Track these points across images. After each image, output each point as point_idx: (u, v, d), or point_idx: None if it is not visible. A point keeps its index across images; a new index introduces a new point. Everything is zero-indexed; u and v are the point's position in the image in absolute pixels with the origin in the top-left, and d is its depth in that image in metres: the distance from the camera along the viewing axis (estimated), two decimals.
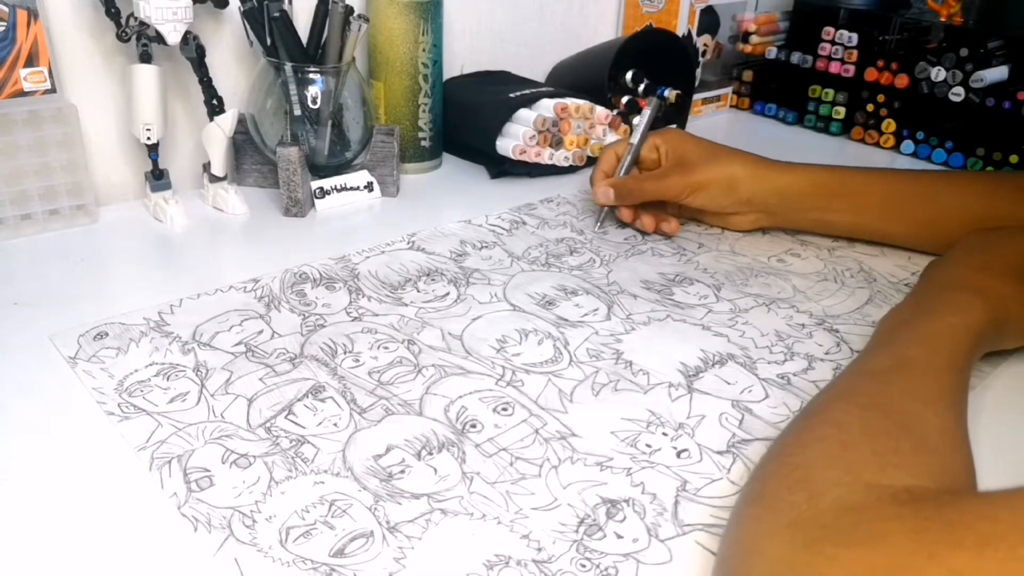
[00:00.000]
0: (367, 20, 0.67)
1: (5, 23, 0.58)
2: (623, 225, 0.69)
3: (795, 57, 0.97)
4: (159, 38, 0.61)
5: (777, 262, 0.64)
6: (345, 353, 0.49)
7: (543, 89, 0.83)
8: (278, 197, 0.69)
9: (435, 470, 0.40)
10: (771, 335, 0.53)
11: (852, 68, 0.93)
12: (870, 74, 0.91)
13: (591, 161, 0.82)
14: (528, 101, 0.80)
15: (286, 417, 0.43)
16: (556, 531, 0.36)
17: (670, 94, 0.87)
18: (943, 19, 0.90)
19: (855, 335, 0.54)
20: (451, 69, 0.88)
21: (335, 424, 0.43)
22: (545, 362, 0.49)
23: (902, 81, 0.89)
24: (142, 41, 0.61)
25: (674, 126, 0.85)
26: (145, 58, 0.62)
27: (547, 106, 0.78)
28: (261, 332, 0.51)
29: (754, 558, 0.30)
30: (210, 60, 0.66)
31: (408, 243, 0.64)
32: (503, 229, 0.68)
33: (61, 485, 0.38)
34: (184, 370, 0.47)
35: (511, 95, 0.80)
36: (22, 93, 0.60)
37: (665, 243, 0.67)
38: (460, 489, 0.39)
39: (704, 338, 0.53)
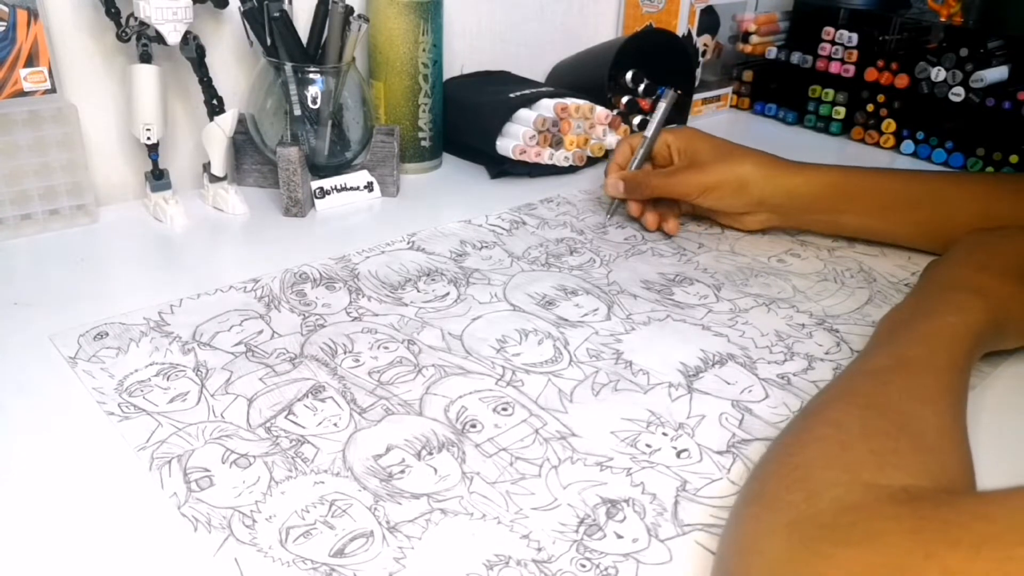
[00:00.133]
0: (367, 20, 0.67)
1: (5, 23, 0.58)
2: (630, 219, 0.69)
3: (795, 57, 0.97)
4: (159, 38, 0.61)
5: (777, 262, 0.64)
6: (345, 353, 0.49)
7: (543, 89, 0.83)
8: (278, 197, 0.69)
9: (435, 470, 0.40)
10: (771, 335, 0.53)
11: (852, 68, 0.93)
12: (870, 74, 0.91)
13: (591, 161, 0.82)
14: (528, 101, 0.80)
15: (286, 417, 0.43)
16: (556, 531, 0.36)
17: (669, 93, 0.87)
18: (943, 19, 0.90)
19: (855, 335, 0.54)
20: (451, 69, 0.88)
21: (335, 424, 0.43)
22: (545, 362, 0.49)
23: (902, 81, 0.89)
24: (142, 41, 0.61)
25: (674, 125, 0.85)
26: (145, 58, 0.62)
27: (547, 106, 0.78)
28: (261, 332, 0.51)
29: (752, 557, 0.31)
30: (210, 60, 0.66)
31: (408, 243, 0.64)
32: (503, 229, 0.68)
33: (61, 485, 0.38)
34: (184, 370, 0.47)
35: (511, 95, 0.80)
36: (22, 93, 0.60)
37: (665, 243, 0.67)
38: (460, 489, 0.39)
39: (704, 338, 0.53)
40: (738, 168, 0.64)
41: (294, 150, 0.66)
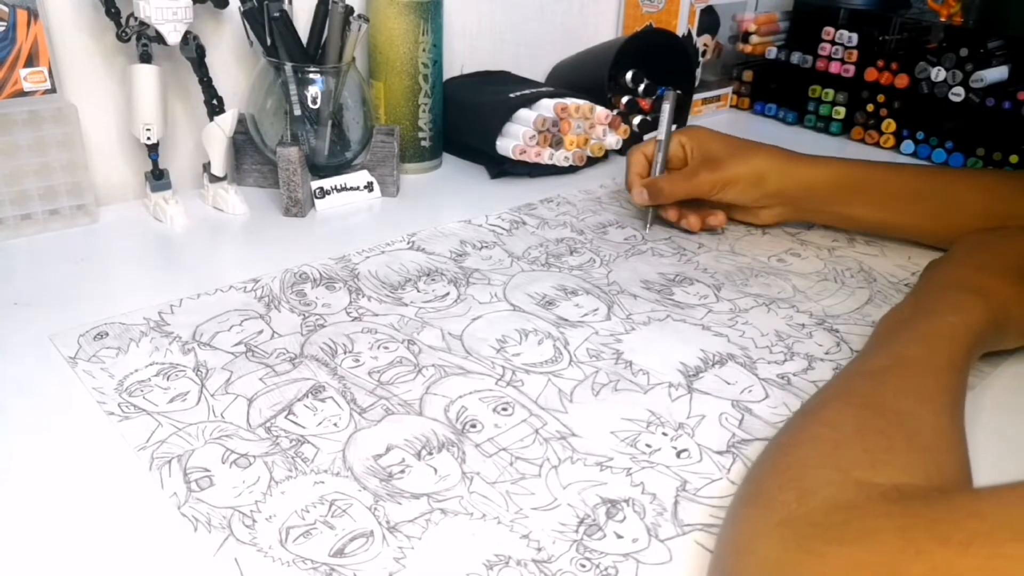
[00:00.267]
0: (367, 20, 0.68)
1: (5, 23, 0.58)
2: (670, 225, 0.69)
3: (795, 57, 0.97)
4: (159, 38, 0.61)
5: (777, 262, 0.64)
6: (345, 353, 0.49)
7: (543, 89, 0.83)
8: (278, 197, 0.69)
9: (435, 470, 0.40)
10: (771, 335, 0.53)
11: (852, 68, 0.93)
12: (870, 74, 0.91)
13: (591, 161, 0.82)
14: (528, 101, 0.80)
15: (286, 417, 0.43)
16: (556, 531, 0.36)
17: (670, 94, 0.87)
18: (943, 19, 0.90)
19: (855, 335, 0.54)
20: (451, 69, 0.88)
21: (335, 424, 0.43)
22: (545, 362, 0.49)
23: (902, 81, 0.89)
24: (142, 41, 0.61)
25: (674, 126, 0.85)
26: (145, 58, 0.62)
27: (547, 106, 0.78)
28: (261, 332, 0.51)
29: (746, 557, 0.31)
30: (210, 60, 0.66)
31: (408, 243, 0.64)
32: (503, 229, 0.68)
33: (61, 485, 0.38)
34: (184, 370, 0.47)
35: (511, 95, 0.80)
36: (22, 93, 0.60)
37: (665, 243, 0.67)
38: (460, 489, 0.39)
39: (704, 338, 0.53)
40: (753, 161, 0.65)
41: (294, 150, 0.66)
